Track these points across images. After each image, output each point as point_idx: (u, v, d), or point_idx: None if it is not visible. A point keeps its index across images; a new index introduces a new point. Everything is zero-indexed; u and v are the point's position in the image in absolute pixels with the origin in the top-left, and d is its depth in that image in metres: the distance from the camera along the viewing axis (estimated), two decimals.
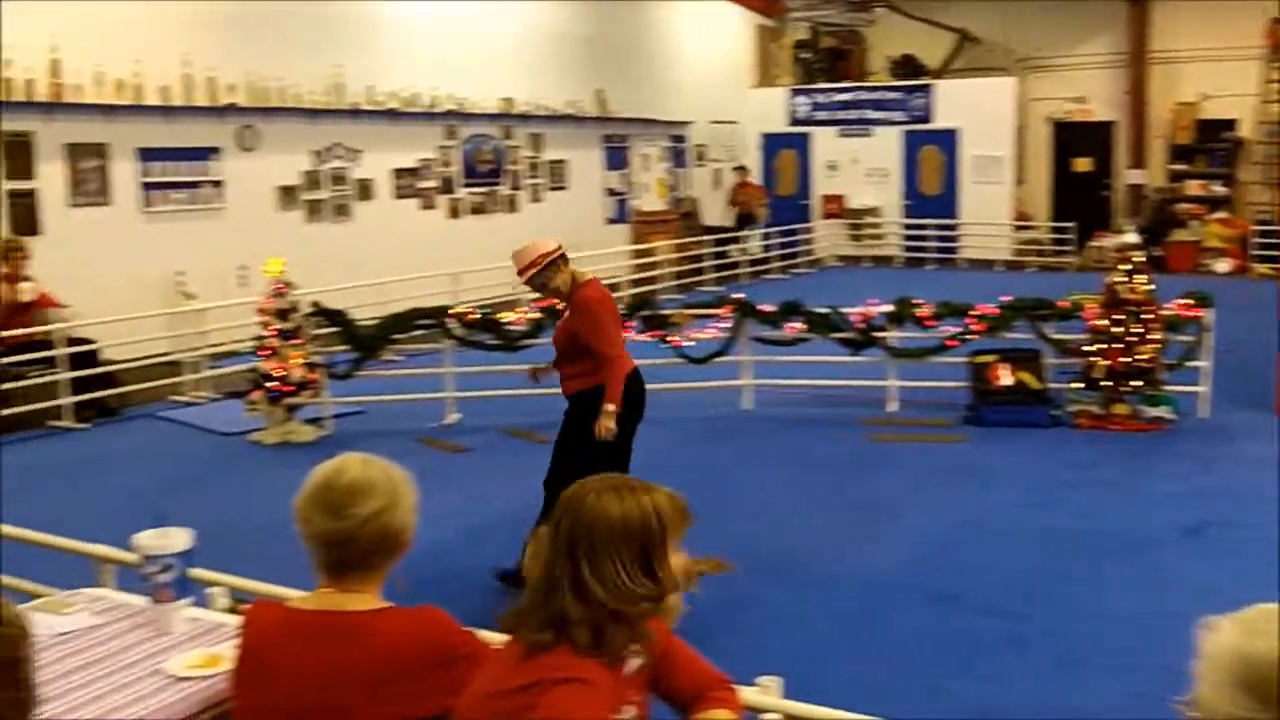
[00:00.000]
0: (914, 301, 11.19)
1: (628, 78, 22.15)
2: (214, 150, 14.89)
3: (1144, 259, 10.70)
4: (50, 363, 11.36)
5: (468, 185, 18.95)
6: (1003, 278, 21.16)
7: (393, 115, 17.23)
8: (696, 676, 2.89)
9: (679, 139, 24.14)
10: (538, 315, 11.26)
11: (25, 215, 12.84)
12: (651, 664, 2.78)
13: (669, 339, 11.31)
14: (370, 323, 11.38)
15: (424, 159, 18.11)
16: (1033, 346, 10.98)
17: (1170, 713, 2.07)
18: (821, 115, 25.87)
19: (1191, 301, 10.68)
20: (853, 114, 25.60)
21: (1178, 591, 6.58)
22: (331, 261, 14.90)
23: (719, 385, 11.57)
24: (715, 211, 24.31)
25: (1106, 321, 10.42)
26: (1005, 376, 10.81)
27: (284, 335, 10.55)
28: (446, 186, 18.55)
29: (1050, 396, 10.78)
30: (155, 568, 3.52)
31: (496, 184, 19.55)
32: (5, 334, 11.23)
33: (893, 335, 11.27)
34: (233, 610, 3.88)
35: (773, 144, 26.28)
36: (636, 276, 19.76)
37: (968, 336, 11.01)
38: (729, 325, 11.40)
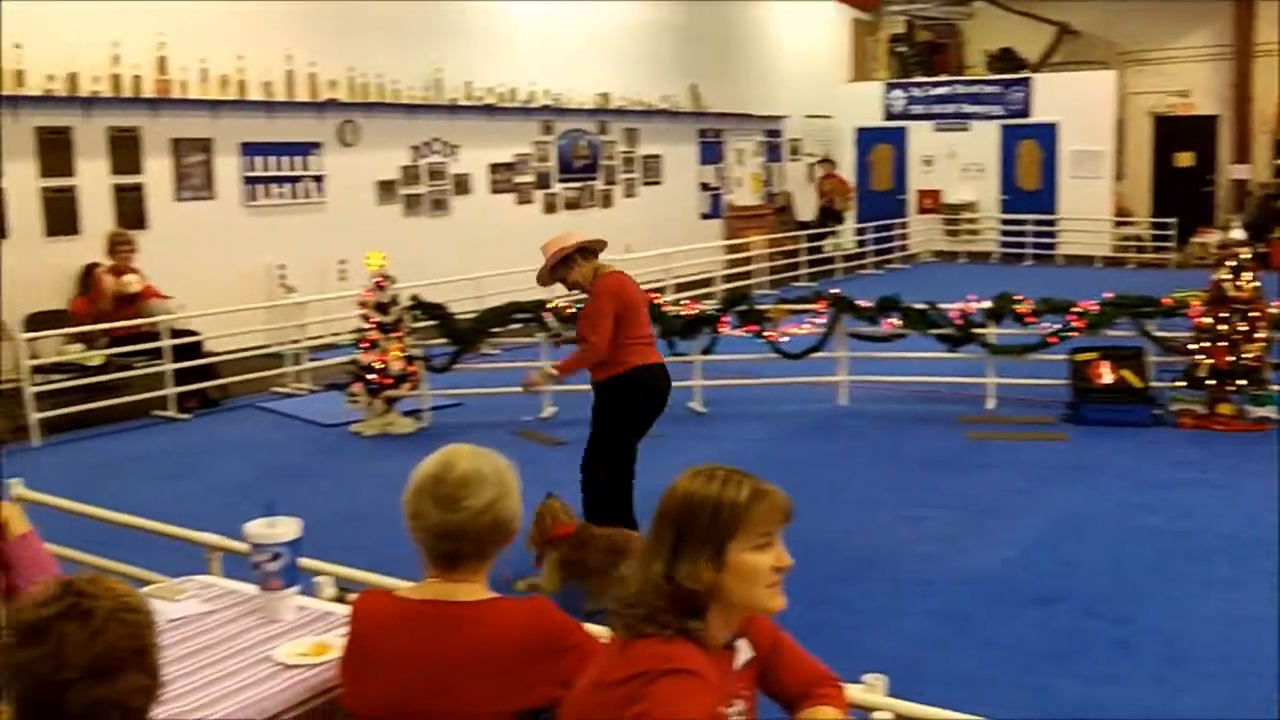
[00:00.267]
0: (1014, 298, 11.08)
1: (723, 72, 22.13)
2: (315, 145, 15.08)
3: (1250, 256, 10.52)
4: (155, 354, 11.57)
5: (563, 180, 19.05)
6: (1101, 274, 20.88)
7: (490, 110, 17.35)
8: (804, 673, 2.89)
9: (774, 134, 24.09)
10: None
11: (132, 209, 13.09)
12: (759, 659, 2.79)
13: (765, 334, 11.29)
14: (468, 316, 11.47)
15: (520, 154, 18.22)
16: (1135, 344, 10.82)
17: (1275, 715, 2.05)
18: (917, 109, 25.69)
19: None
20: (949, 108, 25.38)
21: None
22: (429, 256, 15.02)
23: (814, 381, 11.52)
24: (809, 206, 24.20)
25: (1211, 319, 10.25)
26: (1106, 374, 10.67)
27: (384, 328, 10.66)
28: (542, 181, 18.65)
29: (1152, 395, 10.62)
30: (264, 556, 3.57)
31: (592, 179, 19.63)
32: (113, 325, 11.48)
33: (992, 332, 11.15)
34: (339, 599, 3.93)
35: (868, 138, 26.12)
36: (730, 272, 19.71)
37: (1068, 333, 10.88)
38: (825, 320, 11.34)
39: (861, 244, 23.37)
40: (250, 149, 14.33)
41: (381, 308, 10.65)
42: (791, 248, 21.38)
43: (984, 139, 24.98)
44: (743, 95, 22.63)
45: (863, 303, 11.27)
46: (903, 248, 24.31)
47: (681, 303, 11.80)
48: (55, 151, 12.43)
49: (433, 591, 2.95)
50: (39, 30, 11.99)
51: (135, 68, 12.97)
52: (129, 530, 5.34)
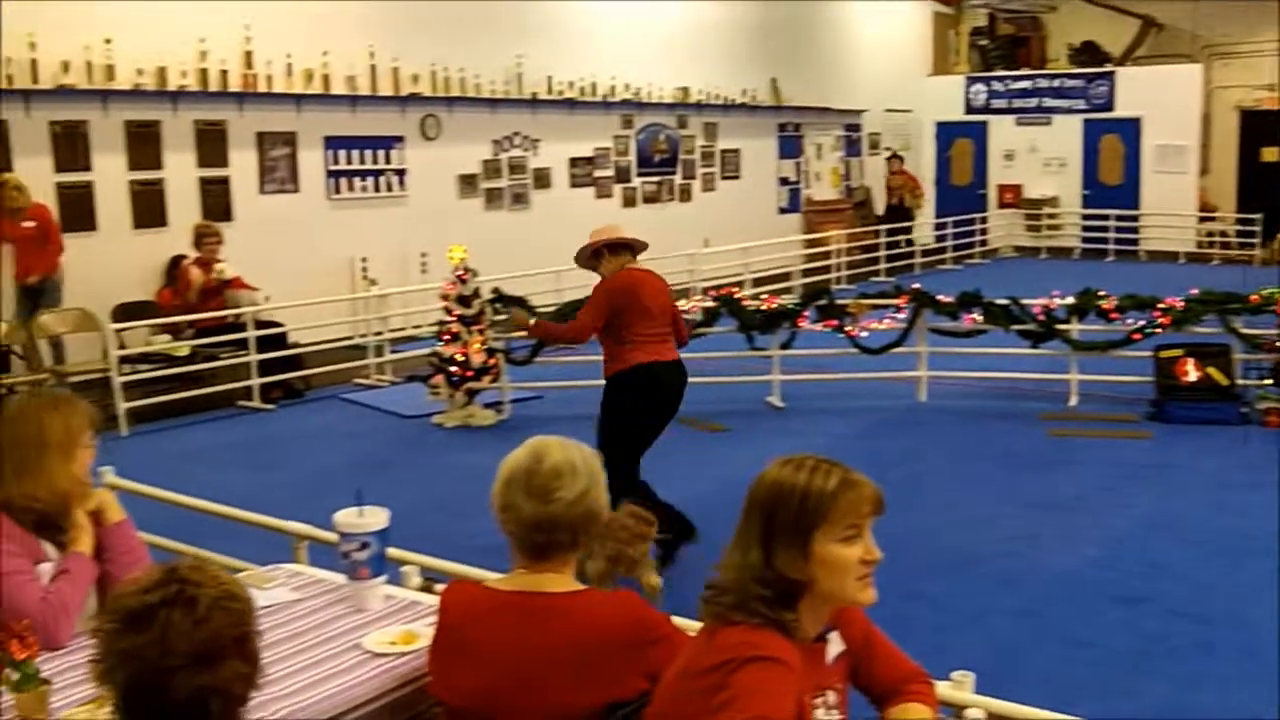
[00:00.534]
0: (1098, 293, 10.96)
1: (802, 66, 22.05)
2: (397, 139, 15.20)
3: None
4: (241, 345, 11.74)
5: (642, 174, 19.07)
6: (1185, 270, 20.58)
7: (570, 105, 17.41)
8: (896, 669, 2.88)
9: (853, 127, 23.98)
10: (711, 304, 11.30)
11: (218, 202, 13.26)
12: (851, 653, 2.78)
13: (845, 329, 11.24)
14: (548, 309, 11.50)
15: (600, 148, 18.27)
16: (1221, 341, 10.66)
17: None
18: (999, 103, 25.49)
19: None
20: (1031, 102, 25.17)
21: None
22: (508, 249, 15.08)
23: (894, 376, 11.47)
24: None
25: None
26: (1192, 372, 10.53)
27: (465, 321, 10.74)
28: (621, 176, 18.69)
29: (1239, 393, 10.46)
30: (353, 545, 3.60)
31: (670, 173, 19.63)
32: (199, 316, 11.65)
33: (1075, 328, 11.04)
34: (425, 589, 3.97)
35: (948, 133, 25.94)
36: (808, 266, 19.65)
37: (1153, 330, 10.75)
38: (905, 316, 11.28)
39: (941, 239, 23.21)
40: (333, 142, 14.48)
41: (463, 300, 10.73)
42: (870, 242, 21.26)
43: (1066, 133, 24.74)
44: (822, 89, 22.54)
45: (944, 298, 11.20)
46: (983, 243, 24.13)
47: (761, 297, 11.77)
48: (144, 145, 12.62)
49: (521, 582, 2.98)
50: (128, 26, 12.19)
51: (222, 62, 13.14)
52: (214, 518, 5.42)
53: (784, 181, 22.29)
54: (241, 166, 13.57)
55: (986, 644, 5.89)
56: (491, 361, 10.86)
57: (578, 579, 6.29)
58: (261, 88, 13.54)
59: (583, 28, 17.61)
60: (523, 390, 11.37)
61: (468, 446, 9.91)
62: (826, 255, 20.09)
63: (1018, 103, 25.29)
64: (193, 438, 10.65)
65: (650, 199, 19.23)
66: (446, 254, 10.91)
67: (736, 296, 11.39)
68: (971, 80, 25.80)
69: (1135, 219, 23.82)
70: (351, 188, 14.74)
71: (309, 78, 13.99)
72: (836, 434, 10.23)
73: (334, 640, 3.38)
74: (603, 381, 7.34)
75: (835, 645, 2.75)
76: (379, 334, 13.28)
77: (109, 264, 12.13)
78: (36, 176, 11.57)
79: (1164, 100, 23.36)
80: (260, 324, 11.90)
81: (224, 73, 13.17)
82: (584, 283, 12.78)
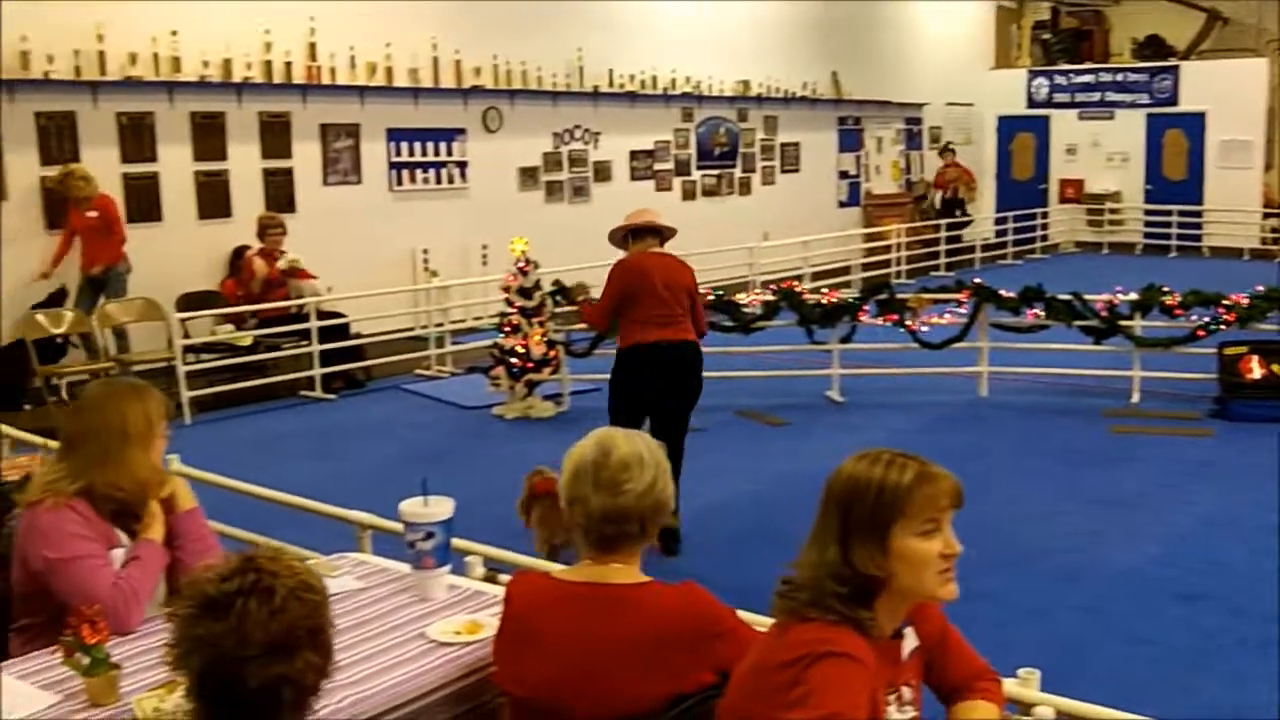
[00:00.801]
0: (1162, 289, 10.86)
1: (863, 59, 21.96)
2: (459, 131, 15.27)
3: None
4: (303, 335, 11.83)
5: (702, 167, 19.05)
6: (1249, 267, 20.31)
7: (631, 98, 17.42)
8: (967, 666, 2.86)
9: (914, 121, 23.85)
10: (771, 297, 11.28)
11: (281, 193, 13.39)
12: (925, 649, 2.77)
13: (905, 324, 11.18)
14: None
15: (660, 141, 18.27)
16: None
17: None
18: (1061, 97, 25.29)
19: None
20: (1094, 96, 24.96)
21: None
22: (568, 241, 15.09)
23: (954, 371, 11.42)
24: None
25: None
26: (1256, 369, 10.41)
27: (526, 313, 10.78)
28: (681, 169, 18.68)
29: None
30: (419, 535, 3.61)
31: (730, 166, 19.60)
32: (262, 306, 11.76)
33: (1138, 324, 10.94)
34: (488, 579, 4.00)
35: (1009, 126, 25.77)
36: (867, 260, 19.58)
37: (1218, 327, 10.64)
38: (966, 311, 11.22)
39: (1001, 234, 23.05)
40: (396, 135, 14.57)
41: (524, 292, 10.77)
42: (930, 236, 21.16)
43: (1129, 128, 24.52)
44: (883, 82, 22.44)
45: (1006, 293, 11.13)
46: (1043, 238, 23.95)
47: (822, 291, 11.74)
48: (209, 136, 12.76)
49: (588, 573, 3.00)
50: (195, 18, 12.32)
51: (286, 54, 13.27)
52: (277, 506, 5.47)
53: (844, 175, 22.21)
54: (305, 158, 13.69)
55: (1049, 641, 5.86)
56: (552, 353, 10.89)
57: (543, 543, 6.53)
58: (325, 80, 13.66)
59: (643, 20, 17.61)
60: (583, 382, 11.38)
61: (528, 438, 9.94)
62: (886, 249, 20.00)
63: (1080, 97, 25.08)
64: (255, 427, 10.76)
65: (710, 192, 19.22)
66: (509, 246, 10.95)
67: (797, 290, 11.37)
68: (1034, 74, 25.60)
69: (1198, 215, 23.54)
70: (413, 179, 14.82)
71: (372, 70, 14.09)
72: (896, 429, 10.20)
73: (399, 629, 3.40)
74: None
75: (910, 641, 2.73)
76: (440, 325, 13.35)
77: (174, 254, 12.28)
78: (103, 167, 11.73)
79: (1229, 95, 23.09)
80: (322, 314, 11.99)
81: (288, 65, 13.28)
82: None
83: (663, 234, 7.61)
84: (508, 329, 10.84)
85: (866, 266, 19.19)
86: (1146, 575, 6.82)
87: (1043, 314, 11.04)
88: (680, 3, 18.04)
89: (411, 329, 13.61)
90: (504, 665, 3.07)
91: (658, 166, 18.25)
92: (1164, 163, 24.24)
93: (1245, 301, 10.59)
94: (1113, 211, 24.63)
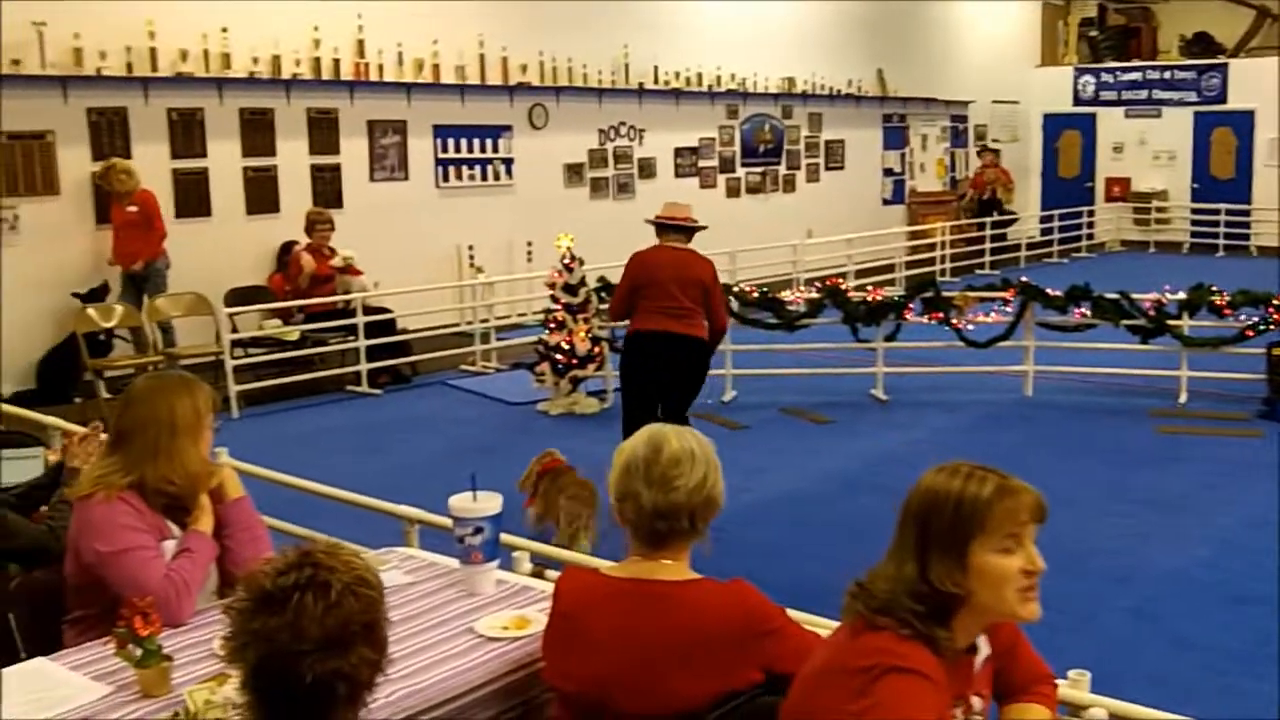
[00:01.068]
0: (1210, 289, 10.77)
1: (908, 57, 21.87)
2: (505, 128, 15.29)
3: None
4: (350, 331, 11.90)
5: (746, 165, 19.01)
6: None
7: (675, 94, 17.41)
8: (1029, 671, 2.84)
9: (959, 119, 23.72)
10: (815, 295, 11.25)
11: (329, 188, 13.45)
12: (996, 656, 2.73)
13: (951, 322, 11.13)
14: None
15: (705, 138, 18.25)
16: None
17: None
18: (1108, 95, 25.09)
19: None
20: (1141, 94, 24.74)
21: None
22: (613, 238, 15.08)
23: (1000, 370, 11.35)
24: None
25: None
26: None
27: (571, 309, 10.80)
28: (726, 166, 18.65)
29: None
30: (468, 530, 3.64)
31: (775, 164, 19.56)
32: (309, 301, 11.84)
33: (1186, 324, 10.86)
34: (536, 574, 4.01)
35: (1055, 125, 25.60)
36: (912, 258, 19.50)
37: (1267, 327, 10.54)
38: (1012, 309, 11.16)
39: (1047, 232, 22.90)
40: (442, 131, 14.61)
41: (570, 289, 10.80)
42: (975, 235, 21.05)
43: (1176, 126, 24.30)
44: (928, 80, 22.34)
45: (1052, 291, 11.06)
46: (1089, 236, 23.77)
47: (867, 288, 11.71)
48: (257, 132, 12.83)
49: (637, 570, 3.00)
50: (245, 15, 12.39)
51: (334, 51, 13.32)
52: (324, 500, 5.50)
53: (888, 173, 22.12)
54: (352, 154, 13.74)
55: (1099, 642, 5.83)
56: (596, 349, 10.91)
57: (537, 519, 6.81)
58: (373, 76, 13.71)
59: (689, 18, 17.59)
60: None
61: (573, 434, 9.94)
62: (930, 247, 19.92)
63: (1127, 94, 24.88)
64: (302, 421, 10.83)
65: (754, 189, 19.19)
66: (554, 242, 10.98)
67: (841, 287, 11.34)
68: (1080, 71, 25.41)
69: (1246, 214, 23.28)
70: (460, 176, 14.86)
71: (419, 67, 14.13)
72: (940, 428, 10.16)
73: (447, 624, 3.42)
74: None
75: (983, 651, 2.67)
76: (485, 321, 13.39)
77: (222, 249, 12.36)
78: (154, 163, 11.82)
79: (1278, 92, 22.81)
80: (369, 310, 12.05)
81: (336, 62, 13.34)
82: None
83: (687, 229, 7.76)
84: (553, 325, 10.87)
85: (911, 264, 19.10)
86: (1195, 577, 6.78)
87: (1089, 313, 10.97)
88: (726, 1, 18.00)
89: (457, 325, 13.66)
90: (552, 661, 3.08)
91: (702, 163, 18.23)
92: (1211, 161, 24.01)
93: None
94: (1159, 210, 24.41)
